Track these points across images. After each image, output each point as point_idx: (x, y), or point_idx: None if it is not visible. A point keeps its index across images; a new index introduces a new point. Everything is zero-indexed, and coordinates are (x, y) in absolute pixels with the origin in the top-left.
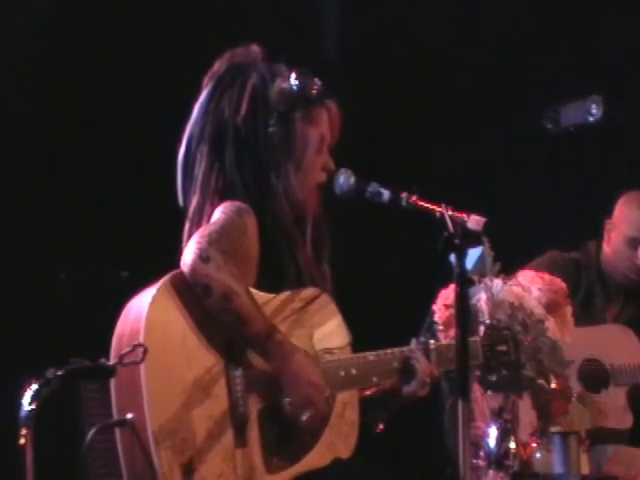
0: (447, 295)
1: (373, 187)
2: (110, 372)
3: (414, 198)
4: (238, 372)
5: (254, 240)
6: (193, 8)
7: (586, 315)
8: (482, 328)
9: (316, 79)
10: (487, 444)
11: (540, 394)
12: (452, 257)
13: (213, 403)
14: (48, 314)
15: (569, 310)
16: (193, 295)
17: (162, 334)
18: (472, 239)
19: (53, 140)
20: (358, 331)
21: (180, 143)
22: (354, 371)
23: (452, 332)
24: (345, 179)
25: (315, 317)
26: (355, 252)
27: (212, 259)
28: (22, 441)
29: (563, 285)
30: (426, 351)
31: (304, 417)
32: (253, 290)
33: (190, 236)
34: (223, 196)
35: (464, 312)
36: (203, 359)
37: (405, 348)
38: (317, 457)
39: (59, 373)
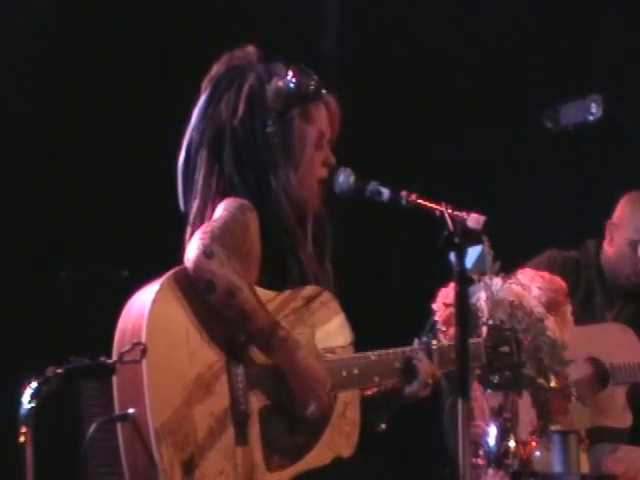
0: (447, 294)
1: (373, 186)
2: (110, 371)
3: (414, 197)
4: (240, 369)
5: (256, 237)
6: (193, 8)
7: (586, 314)
8: (485, 329)
9: (314, 74)
10: (487, 443)
11: (540, 393)
12: (452, 256)
13: (214, 400)
14: (48, 313)
15: (569, 309)
16: (196, 291)
17: (164, 330)
18: (472, 238)
19: (53, 140)
20: (358, 329)
21: (180, 148)
22: (356, 371)
23: (452, 331)
24: (345, 178)
25: (317, 315)
26: (355, 251)
27: (216, 255)
28: (22, 439)
29: (563, 284)
30: (428, 351)
31: (309, 411)
32: (255, 288)
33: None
34: (223, 197)
35: (464, 311)
36: (205, 356)
37: (407, 348)
38: (318, 456)
39: (59, 371)
